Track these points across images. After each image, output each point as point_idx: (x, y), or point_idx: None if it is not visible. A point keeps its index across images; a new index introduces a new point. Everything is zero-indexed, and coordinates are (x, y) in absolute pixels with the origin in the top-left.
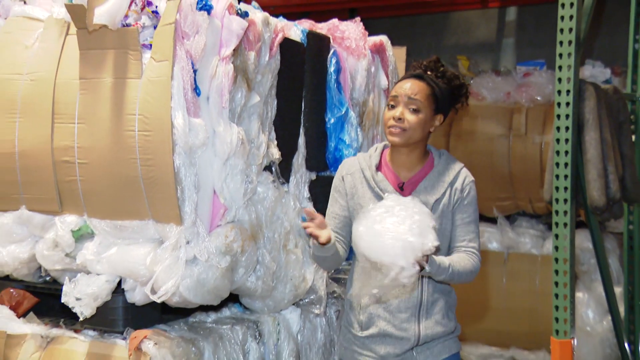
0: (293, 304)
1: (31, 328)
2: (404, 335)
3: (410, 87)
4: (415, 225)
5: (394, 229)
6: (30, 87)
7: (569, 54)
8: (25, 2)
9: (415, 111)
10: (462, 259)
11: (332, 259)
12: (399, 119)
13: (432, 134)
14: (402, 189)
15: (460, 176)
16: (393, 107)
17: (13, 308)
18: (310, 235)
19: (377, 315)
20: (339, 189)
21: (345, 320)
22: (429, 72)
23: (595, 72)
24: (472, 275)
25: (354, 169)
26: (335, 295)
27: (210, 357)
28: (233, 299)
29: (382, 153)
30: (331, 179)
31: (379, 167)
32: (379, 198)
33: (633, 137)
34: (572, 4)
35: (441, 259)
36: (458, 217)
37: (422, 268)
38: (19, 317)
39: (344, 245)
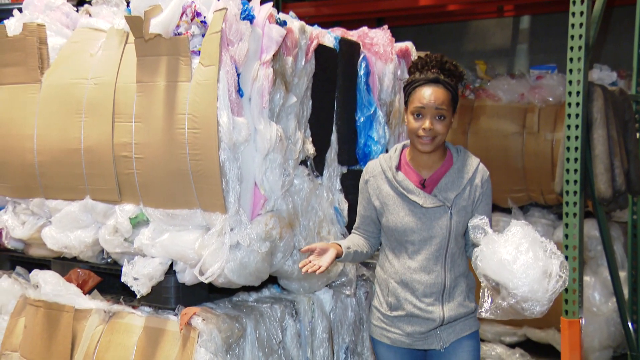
0: (326, 286)
1: (95, 304)
2: (429, 317)
3: (434, 97)
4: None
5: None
6: (94, 90)
7: (579, 59)
8: (90, 15)
9: (442, 118)
10: None
11: (354, 260)
12: (430, 129)
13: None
14: (424, 186)
15: (478, 173)
16: (420, 116)
17: (80, 286)
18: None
19: (405, 299)
20: (362, 192)
21: (375, 301)
22: (434, 70)
23: (603, 75)
24: None
25: (377, 172)
26: (364, 278)
27: (252, 332)
28: (272, 280)
29: (401, 153)
30: (361, 172)
31: (399, 167)
32: (402, 196)
33: (637, 135)
34: (582, 13)
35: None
36: (480, 208)
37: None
38: (84, 294)
39: (370, 239)
